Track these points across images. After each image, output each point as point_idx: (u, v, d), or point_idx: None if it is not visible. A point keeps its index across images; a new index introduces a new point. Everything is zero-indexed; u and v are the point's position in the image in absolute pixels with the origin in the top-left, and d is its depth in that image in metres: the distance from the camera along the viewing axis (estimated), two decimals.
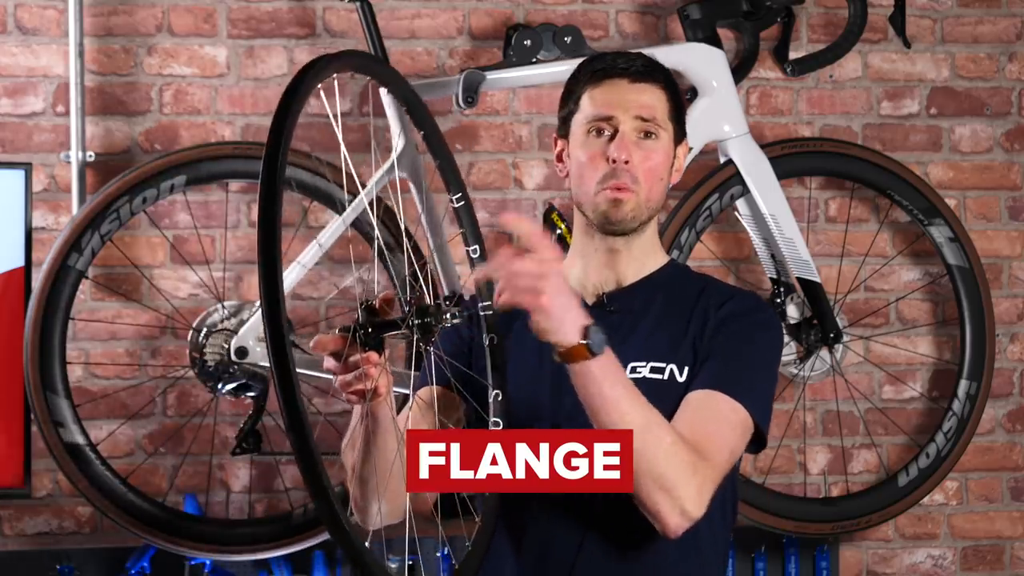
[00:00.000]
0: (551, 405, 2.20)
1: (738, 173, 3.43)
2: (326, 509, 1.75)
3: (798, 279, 3.46)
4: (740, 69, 3.56)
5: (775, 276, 3.50)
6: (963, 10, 3.77)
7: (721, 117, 3.42)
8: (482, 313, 2.17)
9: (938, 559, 3.78)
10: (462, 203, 2.23)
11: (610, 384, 2.00)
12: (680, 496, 2.03)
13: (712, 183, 3.44)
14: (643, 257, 2.28)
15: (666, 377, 2.18)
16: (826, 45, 3.63)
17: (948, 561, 3.78)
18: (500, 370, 2.17)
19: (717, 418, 2.13)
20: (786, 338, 3.49)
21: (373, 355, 1.92)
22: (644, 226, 2.26)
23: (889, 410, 3.75)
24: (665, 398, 2.14)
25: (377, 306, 1.94)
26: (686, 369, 2.18)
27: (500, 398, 2.15)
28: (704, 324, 2.21)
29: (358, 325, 1.92)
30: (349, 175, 2.05)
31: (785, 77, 3.68)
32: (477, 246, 2.23)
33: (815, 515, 3.54)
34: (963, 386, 3.62)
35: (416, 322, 1.93)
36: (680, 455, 2.03)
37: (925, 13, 3.75)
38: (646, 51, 3.32)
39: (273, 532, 3.32)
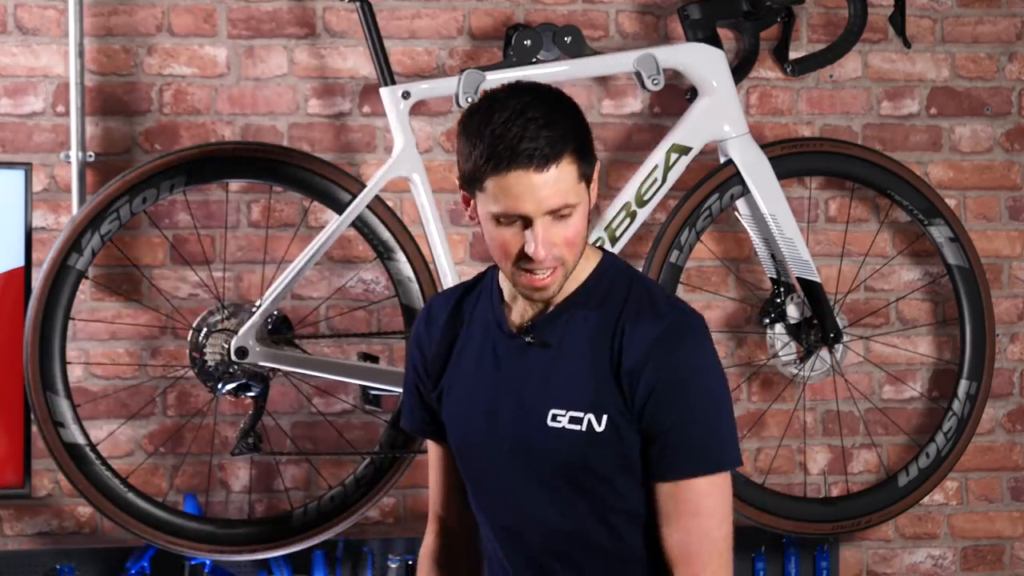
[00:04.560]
0: (487, 428, 2.19)
1: (738, 173, 3.43)
2: None
3: (798, 279, 3.46)
4: (740, 69, 3.56)
5: (775, 276, 3.50)
6: (963, 10, 3.77)
7: (721, 117, 3.42)
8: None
9: (938, 559, 3.78)
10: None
11: None
12: None
13: (712, 183, 3.44)
14: (570, 280, 2.17)
15: (584, 428, 2.12)
16: (826, 45, 3.63)
17: (948, 561, 3.78)
18: None
19: (704, 518, 2.11)
20: (786, 338, 3.49)
21: None
22: None
23: (889, 410, 3.75)
24: (582, 449, 2.12)
25: None
26: (604, 418, 2.12)
27: None
28: (618, 368, 2.11)
29: None
30: None
31: (785, 77, 3.68)
32: None
33: (815, 515, 3.54)
34: (963, 386, 3.62)
35: None
36: None
37: (925, 13, 3.75)
38: (645, 51, 3.37)
39: (273, 532, 3.32)
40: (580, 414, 2.12)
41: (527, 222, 2.06)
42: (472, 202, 2.13)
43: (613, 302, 2.16)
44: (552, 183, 2.05)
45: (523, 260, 2.09)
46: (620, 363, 2.11)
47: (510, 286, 2.20)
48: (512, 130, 2.04)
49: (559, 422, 2.13)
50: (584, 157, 2.09)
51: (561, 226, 2.08)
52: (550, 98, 2.09)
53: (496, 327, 2.21)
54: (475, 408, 2.21)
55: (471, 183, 2.10)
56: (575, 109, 2.11)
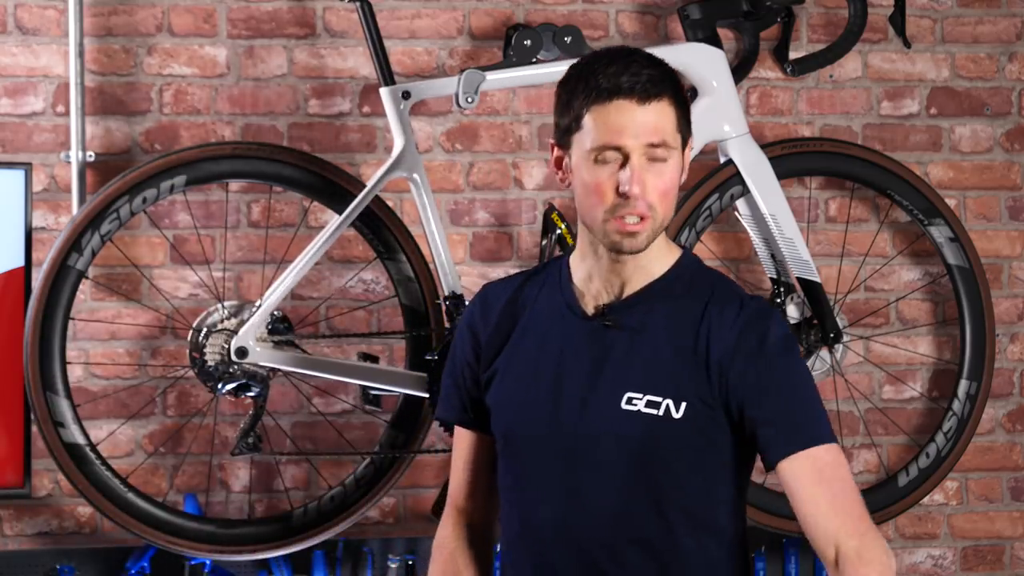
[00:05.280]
0: (549, 411, 2.17)
1: (738, 173, 3.43)
2: None
3: (798, 279, 3.46)
4: (740, 69, 3.56)
5: (775, 276, 3.50)
6: (963, 10, 3.77)
7: (721, 117, 3.42)
8: None
9: (938, 559, 3.78)
10: None
11: None
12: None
13: (712, 183, 3.44)
14: (650, 264, 2.18)
15: (661, 413, 2.11)
16: (826, 45, 3.63)
17: (948, 561, 3.78)
18: None
19: (836, 477, 2.11)
20: None
21: None
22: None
23: (889, 410, 3.75)
24: (655, 434, 2.11)
25: None
26: (683, 405, 2.11)
27: None
28: (707, 357, 2.12)
29: None
30: None
31: (785, 77, 3.68)
32: None
33: None
34: (963, 386, 3.62)
35: None
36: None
37: (925, 13, 3.75)
38: (649, 51, 3.37)
39: (273, 532, 3.32)
40: (659, 399, 2.12)
41: (624, 160, 2.09)
42: (565, 160, 2.16)
43: (698, 293, 2.17)
44: (652, 118, 2.09)
45: (617, 203, 2.10)
46: (708, 351, 2.12)
47: (584, 270, 2.20)
48: (613, 67, 2.10)
49: (635, 405, 2.12)
50: (683, 110, 2.14)
51: (656, 172, 2.11)
52: (650, 54, 2.16)
53: (567, 309, 2.20)
54: (534, 391, 2.18)
55: (568, 128, 2.13)
56: (674, 71, 2.16)
